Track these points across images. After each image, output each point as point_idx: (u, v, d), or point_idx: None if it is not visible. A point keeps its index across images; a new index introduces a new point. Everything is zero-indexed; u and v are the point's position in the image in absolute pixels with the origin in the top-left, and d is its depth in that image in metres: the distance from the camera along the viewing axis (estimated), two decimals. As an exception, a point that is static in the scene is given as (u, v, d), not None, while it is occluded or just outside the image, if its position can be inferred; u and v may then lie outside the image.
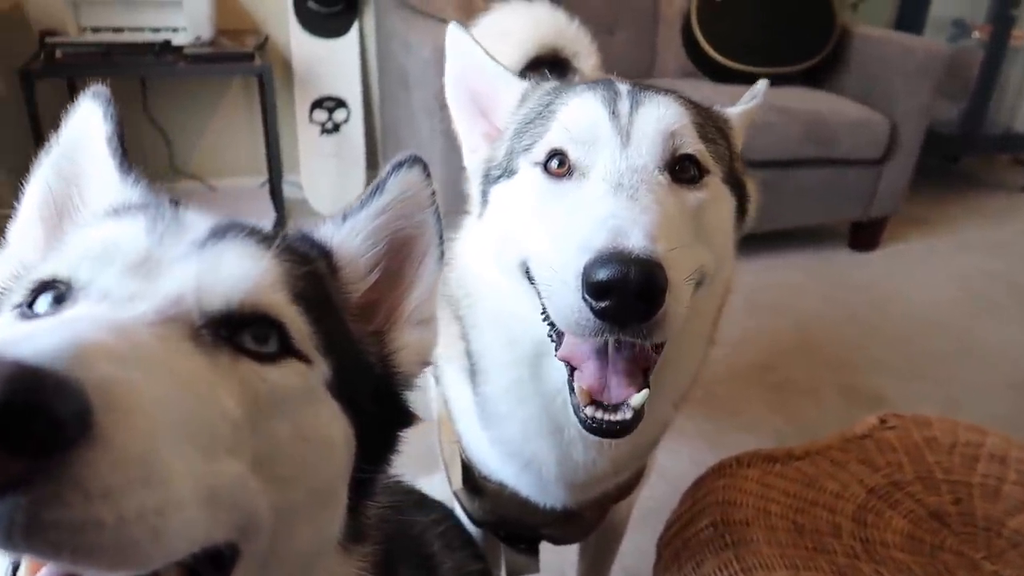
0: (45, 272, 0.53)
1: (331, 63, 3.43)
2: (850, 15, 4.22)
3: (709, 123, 0.94)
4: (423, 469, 1.86)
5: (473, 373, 1.01)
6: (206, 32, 2.88)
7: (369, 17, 3.46)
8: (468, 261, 1.00)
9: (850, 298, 3.14)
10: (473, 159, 1.05)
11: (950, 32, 4.51)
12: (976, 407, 2.44)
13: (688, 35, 3.41)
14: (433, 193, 0.68)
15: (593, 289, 0.71)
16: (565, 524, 1.16)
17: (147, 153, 3.43)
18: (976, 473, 1.32)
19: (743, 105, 1.07)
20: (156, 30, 2.87)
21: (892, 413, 1.46)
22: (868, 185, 3.36)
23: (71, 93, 3.14)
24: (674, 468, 2.06)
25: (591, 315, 0.73)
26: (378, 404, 0.61)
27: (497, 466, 1.08)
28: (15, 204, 0.67)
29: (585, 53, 1.71)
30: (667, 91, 0.92)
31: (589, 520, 1.17)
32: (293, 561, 0.53)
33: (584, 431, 0.82)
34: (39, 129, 2.57)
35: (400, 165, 0.66)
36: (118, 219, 0.57)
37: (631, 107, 0.87)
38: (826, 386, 2.51)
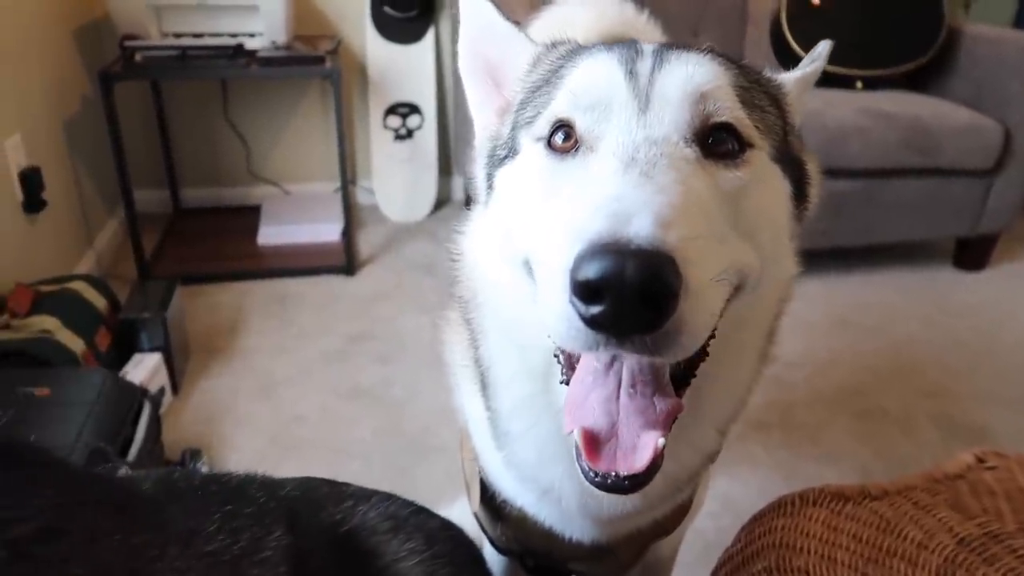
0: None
1: (406, 69, 3.41)
2: (962, 14, 3.90)
3: (756, 87, 0.78)
4: (436, 500, 1.76)
5: (483, 385, 0.90)
6: (281, 37, 2.89)
7: (445, 23, 3.42)
8: (475, 257, 0.88)
9: (953, 322, 2.85)
10: (481, 138, 0.92)
11: (1077, 34, 4.11)
12: (1100, 448, 2.14)
13: (778, 36, 3.21)
14: None
15: (580, 289, 0.55)
16: (597, 560, 1.02)
17: (225, 156, 3.50)
18: (1095, 528, 1.11)
19: (801, 70, 0.91)
20: (234, 35, 2.90)
21: (992, 451, 1.25)
22: (976, 198, 3.06)
23: (156, 95, 3.23)
24: (743, 499, 1.89)
25: (581, 323, 0.57)
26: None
27: (514, 491, 0.97)
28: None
29: (653, 37, 1.59)
30: (707, 48, 0.77)
31: (625, 557, 1.04)
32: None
33: (587, 482, 0.66)
34: (117, 128, 2.63)
35: None
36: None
37: (653, 66, 0.72)
38: (922, 417, 2.26)
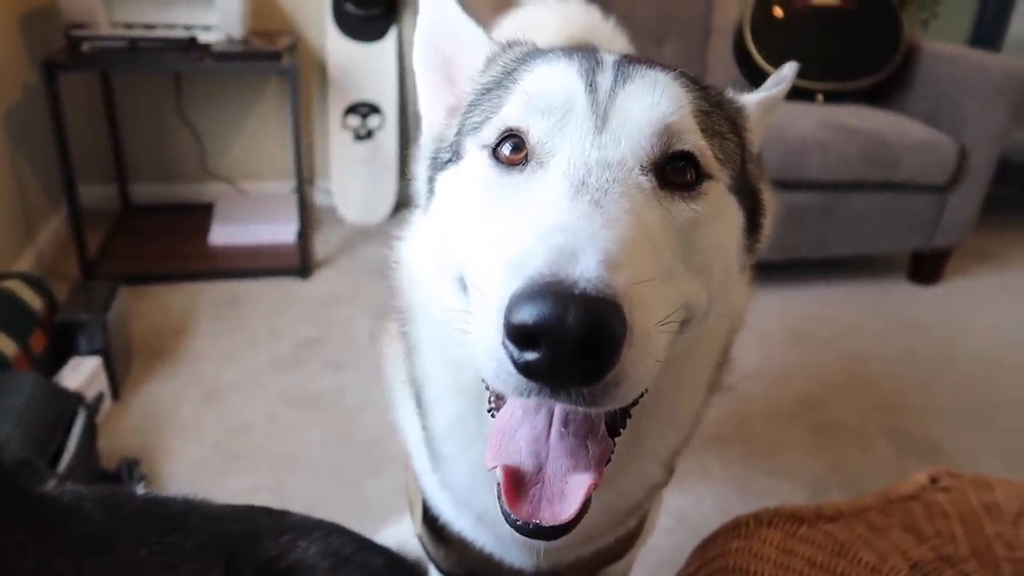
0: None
1: (367, 68, 3.34)
2: (920, 32, 3.96)
3: (717, 111, 0.74)
4: (385, 515, 1.71)
5: (418, 403, 0.85)
6: (237, 31, 2.81)
7: (408, 21, 3.36)
8: (412, 266, 0.82)
9: (908, 335, 2.88)
10: (427, 137, 0.86)
11: (1030, 54, 4.21)
12: (1047, 464, 2.17)
13: (741, 48, 3.22)
14: None
15: (515, 333, 0.50)
16: (544, 586, 0.98)
17: (178, 152, 3.39)
18: (1047, 552, 1.10)
19: (764, 91, 0.88)
20: (188, 27, 2.81)
21: (946, 471, 1.24)
22: (932, 213, 3.10)
23: (105, 87, 3.11)
24: (697, 514, 1.87)
25: (513, 368, 0.52)
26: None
27: (451, 515, 0.92)
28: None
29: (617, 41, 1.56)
30: (667, 67, 0.72)
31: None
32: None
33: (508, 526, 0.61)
34: (61, 120, 2.52)
35: None
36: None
37: (615, 81, 0.68)
38: (875, 430, 2.27)
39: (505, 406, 0.65)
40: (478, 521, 0.86)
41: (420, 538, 1.03)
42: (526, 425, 0.62)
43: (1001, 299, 3.23)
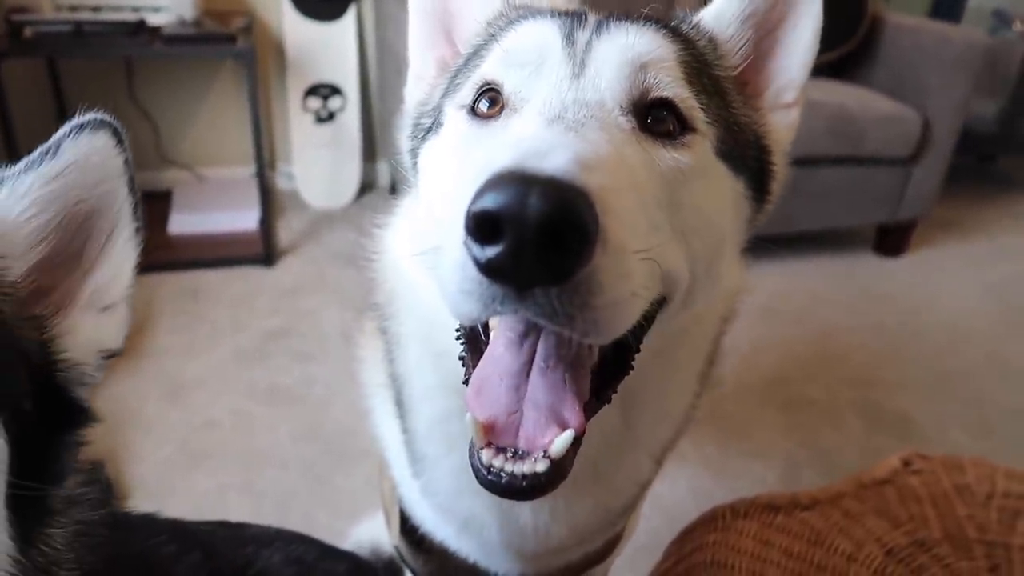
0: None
1: (326, 48, 3.25)
2: (882, 3, 3.96)
3: (705, 68, 0.70)
4: (357, 510, 1.68)
5: (399, 404, 0.82)
6: (188, 12, 2.71)
7: (367, 1, 3.27)
8: (393, 255, 0.79)
9: (875, 308, 2.90)
10: (412, 93, 0.81)
11: (990, 23, 4.23)
12: (1012, 431, 2.21)
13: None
14: (126, 162, 0.62)
15: (476, 225, 0.46)
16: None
17: (133, 140, 3.27)
18: (1017, 532, 1.11)
19: None
20: (136, 9, 2.71)
21: (917, 453, 1.25)
22: (896, 185, 3.12)
23: (51, 73, 2.99)
24: (671, 497, 1.87)
25: (476, 273, 0.48)
26: (37, 398, 0.54)
27: (433, 523, 0.89)
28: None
29: None
30: (657, 21, 0.69)
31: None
32: None
33: (480, 485, 0.57)
34: (7, 113, 2.41)
35: (83, 127, 0.59)
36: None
37: (594, 33, 0.65)
38: (846, 405, 2.29)
39: (486, 351, 0.61)
40: (463, 528, 0.84)
41: (397, 548, 1.00)
42: (506, 359, 0.58)
43: (964, 269, 3.28)
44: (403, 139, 0.81)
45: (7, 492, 0.47)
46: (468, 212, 0.46)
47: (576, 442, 0.56)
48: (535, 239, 0.44)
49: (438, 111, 0.73)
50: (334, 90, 3.30)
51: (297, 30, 3.21)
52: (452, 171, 0.67)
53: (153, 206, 3.13)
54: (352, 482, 1.86)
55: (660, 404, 0.78)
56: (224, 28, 2.75)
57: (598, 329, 0.51)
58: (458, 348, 0.68)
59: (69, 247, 0.60)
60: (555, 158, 0.48)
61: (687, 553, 1.07)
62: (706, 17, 0.76)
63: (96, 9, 2.68)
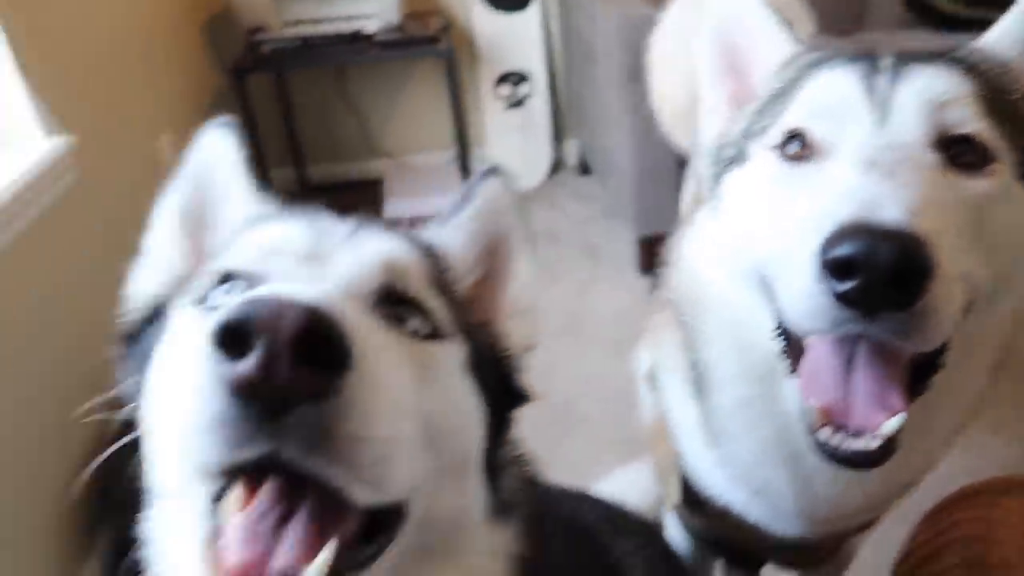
0: (223, 267, 0.59)
1: (513, 37, 3.41)
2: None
3: (1002, 94, 0.74)
4: (620, 458, 1.82)
5: (699, 386, 0.93)
6: (393, 17, 2.94)
7: (550, -12, 3.39)
8: (696, 264, 0.91)
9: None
10: (709, 127, 0.92)
11: None
12: None
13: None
14: (514, 198, 0.73)
15: (832, 266, 0.58)
16: (797, 552, 1.06)
17: (346, 134, 3.61)
18: None
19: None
20: (349, 19, 2.97)
21: None
22: None
23: (278, 80, 3.35)
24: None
25: (830, 300, 0.59)
26: (496, 384, 0.66)
27: (723, 489, 1.00)
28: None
29: (800, 20, 1.54)
30: (948, 56, 0.75)
31: (824, 551, 1.07)
32: (440, 527, 0.57)
33: (820, 459, 0.69)
34: (253, 120, 2.75)
35: (484, 175, 0.72)
36: (276, 221, 0.63)
37: (893, 76, 0.72)
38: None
39: (811, 353, 0.72)
40: (755, 495, 0.94)
41: (675, 509, 1.13)
42: (834, 357, 0.69)
43: None
44: (703, 167, 0.92)
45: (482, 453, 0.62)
46: (824, 256, 0.59)
47: (901, 425, 0.67)
48: (884, 278, 0.56)
49: (741, 146, 0.83)
50: (522, 77, 3.45)
51: (486, 22, 3.38)
52: (766, 203, 0.77)
53: (366, 193, 3.45)
54: (577, 445, 2.01)
55: (956, 394, 0.83)
56: (425, 30, 2.97)
57: (927, 339, 0.62)
58: (760, 345, 0.80)
59: (492, 268, 0.74)
60: (891, 209, 0.59)
61: (945, 527, 1.12)
62: (990, 41, 0.80)
63: (316, 22, 2.97)
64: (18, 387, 1.53)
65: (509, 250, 0.73)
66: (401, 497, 0.49)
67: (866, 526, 1.03)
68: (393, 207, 3.29)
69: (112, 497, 1.68)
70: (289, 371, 0.39)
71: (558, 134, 3.67)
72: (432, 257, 0.66)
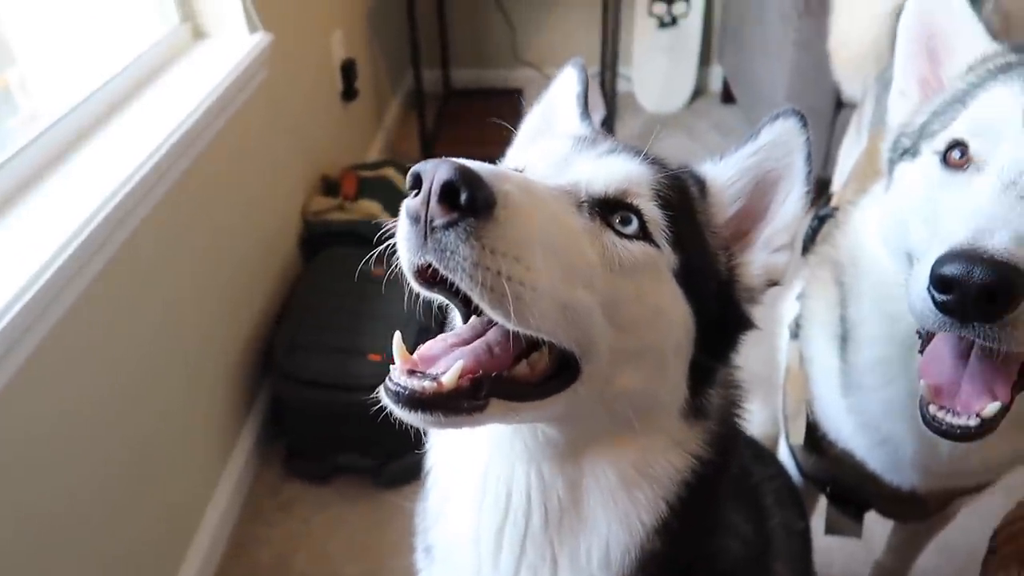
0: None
1: (676, -48, 3.32)
2: None
3: None
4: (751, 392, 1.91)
5: (844, 340, 1.03)
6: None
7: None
8: (861, 234, 1.00)
9: None
10: (895, 108, 0.99)
11: None
12: None
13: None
14: (807, 140, 0.75)
15: (935, 281, 0.70)
16: (904, 503, 1.15)
17: (494, 40, 3.66)
18: None
19: None
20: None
21: None
22: None
23: None
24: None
25: (932, 306, 0.72)
26: (721, 305, 0.74)
27: (849, 435, 1.09)
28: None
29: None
30: None
31: (931, 506, 1.16)
32: (624, 400, 0.67)
33: (923, 424, 0.81)
34: (414, 14, 2.85)
35: (776, 117, 0.75)
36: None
37: None
38: None
39: (935, 340, 0.83)
40: (879, 443, 1.04)
41: (795, 448, 1.23)
42: (948, 347, 0.81)
43: None
44: (883, 149, 1.00)
45: (691, 360, 0.71)
46: (933, 272, 0.70)
47: (1004, 410, 0.77)
48: (976, 296, 0.67)
49: (916, 141, 0.91)
50: (680, -5, 3.39)
51: (650, -65, 3.31)
52: (921, 203, 0.86)
53: (508, 102, 3.51)
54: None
55: None
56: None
57: (1013, 344, 0.71)
58: (906, 317, 0.87)
59: (758, 203, 0.78)
60: (999, 237, 0.68)
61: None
62: None
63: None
64: (220, 261, 1.77)
65: (784, 190, 0.77)
66: (541, 334, 0.59)
67: (978, 488, 1.10)
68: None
69: (271, 360, 1.93)
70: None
71: (705, 58, 3.60)
72: (676, 180, 0.72)
